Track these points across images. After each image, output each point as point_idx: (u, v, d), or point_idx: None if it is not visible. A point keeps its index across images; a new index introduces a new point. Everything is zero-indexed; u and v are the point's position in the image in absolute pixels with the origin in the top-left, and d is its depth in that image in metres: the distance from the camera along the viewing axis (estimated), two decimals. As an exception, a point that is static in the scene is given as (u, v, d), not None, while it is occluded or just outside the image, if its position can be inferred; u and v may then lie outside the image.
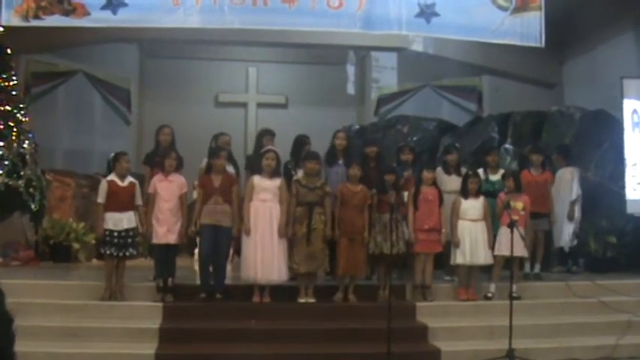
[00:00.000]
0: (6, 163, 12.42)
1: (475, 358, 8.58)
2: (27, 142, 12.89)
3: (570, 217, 11.96)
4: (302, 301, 9.64)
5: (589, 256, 12.39)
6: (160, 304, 9.29)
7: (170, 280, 9.63)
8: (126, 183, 9.68)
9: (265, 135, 11.02)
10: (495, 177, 11.09)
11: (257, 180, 9.72)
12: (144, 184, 10.12)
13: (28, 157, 12.78)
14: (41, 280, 10.27)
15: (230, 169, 10.34)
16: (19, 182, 12.50)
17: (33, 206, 12.69)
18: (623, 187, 12.63)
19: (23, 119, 12.98)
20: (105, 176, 10.08)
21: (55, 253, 12.74)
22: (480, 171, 11.03)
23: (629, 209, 12.53)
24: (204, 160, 10.31)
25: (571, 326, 9.61)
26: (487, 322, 9.42)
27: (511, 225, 8.99)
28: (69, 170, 15.27)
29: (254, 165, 10.16)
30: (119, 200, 9.58)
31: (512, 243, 9.01)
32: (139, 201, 9.76)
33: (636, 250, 12.25)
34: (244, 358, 8.48)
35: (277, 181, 9.72)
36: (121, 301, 9.44)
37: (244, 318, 9.31)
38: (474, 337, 9.23)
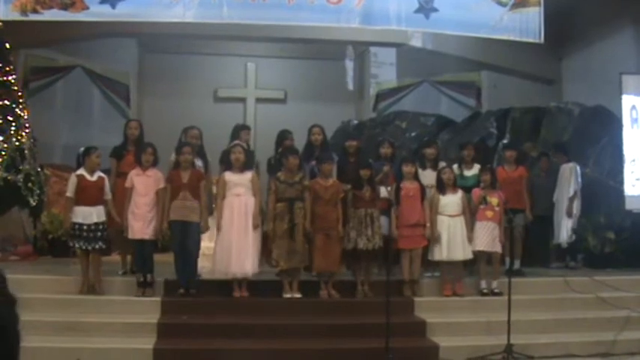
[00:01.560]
0: (4, 157, 12.40)
1: (473, 354, 8.59)
2: (25, 136, 12.87)
3: (569, 214, 11.98)
4: (287, 296, 9.65)
5: (587, 251, 12.39)
6: (159, 299, 9.30)
7: (149, 276, 9.63)
8: (95, 177, 9.68)
9: (242, 130, 11.01)
10: (470, 172, 11.01)
11: (228, 176, 9.73)
12: (110, 177, 10.11)
13: (26, 151, 12.75)
14: (40, 275, 10.25)
15: (199, 163, 10.30)
16: (18, 177, 12.47)
17: (31, 201, 12.67)
18: (621, 183, 12.65)
19: (22, 114, 12.95)
20: (75, 170, 10.07)
21: (54, 247, 12.71)
22: (455, 166, 10.99)
23: (628, 205, 12.55)
24: (174, 155, 10.32)
25: (569, 322, 9.63)
26: (485, 318, 9.43)
27: (510, 221, 9.00)
28: (67, 165, 15.23)
29: (228, 160, 10.11)
30: (88, 194, 9.58)
31: (511, 238, 9.03)
32: (108, 195, 9.76)
33: (634, 245, 12.25)
34: (242, 354, 8.46)
35: (248, 174, 9.74)
36: (100, 295, 9.45)
37: (243, 314, 9.32)
38: (472, 332, 9.25)
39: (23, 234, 12.77)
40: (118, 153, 10.50)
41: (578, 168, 12.13)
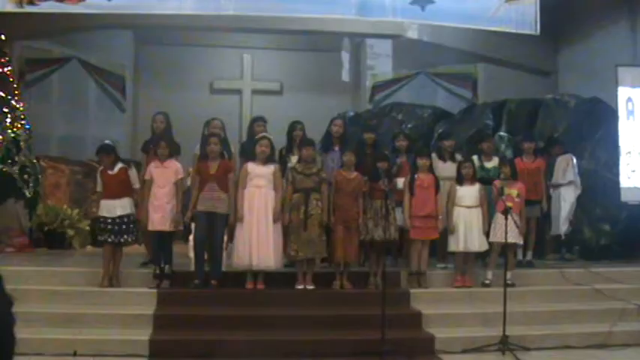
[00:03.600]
0: (0, 149, 12.40)
1: (469, 345, 8.58)
2: (21, 128, 12.86)
3: (564, 199, 12.01)
4: (300, 287, 9.67)
5: (583, 243, 12.42)
6: (155, 291, 9.30)
7: (167, 267, 9.65)
8: (115, 170, 9.69)
9: (257, 121, 10.98)
10: (490, 164, 11.08)
11: (251, 166, 9.70)
12: (141, 171, 10.12)
13: (22, 143, 12.77)
14: (36, 267, 10.26)
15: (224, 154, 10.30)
16: (14, 168, 12.49)
17: (27, 193, 12.69)
18: (617, 175, 12.65)
19: (17, 105, 12.96)
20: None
21: (50, 239, 12.75)
22: (475, 158, 11.03)
23: (623, 197, 12.56)
24: (198, 147, 10.31)
25: (565, 313, 9.63)
26: (481, 309, 9.44)
27: (505, 212, 9.01)
28: (63, 157, 15.26)
29: (248, 152, 10.14)
30: (110, 188, 9.63)
31: (506, 229, 9.04)
32: (135, 185, 9.77)
33: (630, 237, 12.29)
34: (239, 345, 8.44)
35: (271, 168, 9.71)
36: (116, 288, 9.46)
37: (238, 305, 9.33)
38: (468, 323, 9.26)
39: (19, 226, 12.77)
40: (146, 147, 10.52)
41: (574, 159, 12.14)
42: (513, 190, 10.20)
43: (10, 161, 12.45)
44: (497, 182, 10.36)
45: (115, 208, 9.57)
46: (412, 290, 9.80)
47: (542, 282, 10.53)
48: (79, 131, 17.43)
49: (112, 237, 9.50)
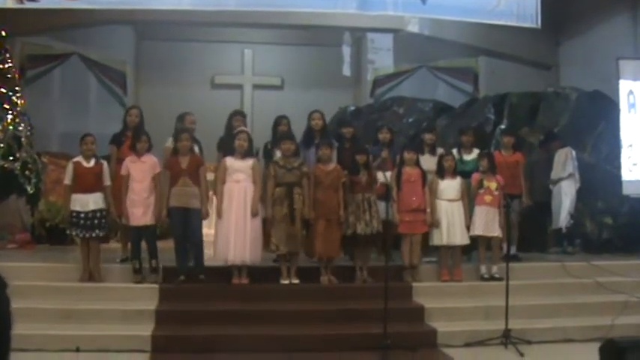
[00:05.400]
0: (1, 145, 12.40)
1: (471, 339, 8.60)
2: (22, 124, 12.86)
3: (565, 193, 12.00)
4: (285, 282, 9.67)
5: (585, 237, 12.41)
6: (157, 286, 9.30)
7: (154, 261, 9.64)
8: (91, 164, 9.63)
9: (235, 116, 10.93)
10: (469, 157, 11.01)
11: (229, 161, 9.69)
12: (110, 164, 10.03)
13: (23, 139, 12.77)
14: (37, 263, 10.26)
15: (195, 149, 10.28)
16: (15, 165, 12.49)
17: (29, 189, 12.68)
18: (618, 168, 12.64)
19: (19, 102, 12.95)
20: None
21: (51, 235, 12.73)
22: (454, 151, 10.99)
23: (625, 190, 12.55)
24: (169, 140, 10.23)
25: (567, 307, 9.63)
26: (483, 303, 9.45)
27: (507, 206, 9.01)
28: (64, 153, 15.23)
29: (226, 146, 10.11)
30: (85, 181, 9.55)
31: (508, 225, 9.04)
32: (107, 181, 9.71)
33: (632, 230, 12.27)
34: (241, 340, 8.45)
35: (250, 162, 9.69)
36: (99, 283, 9.47)
37: (241, 300, 9.33)
38: (470, 317, 9.25)
39: (21, 222, 12.77)
40: (117, 140, 10.47)
41: (573, 152, 12.15)
42: (492, 183, 10.19)
43: (11, 158, 12.45)
44: (476, 175, 10.35)
45: (88, 202, 9.52)
46: (414, 284, 9.81)
47: (544, 275, 10.53)
48: (80, 127, 17.31)
49: (84, 232, 9.49)
